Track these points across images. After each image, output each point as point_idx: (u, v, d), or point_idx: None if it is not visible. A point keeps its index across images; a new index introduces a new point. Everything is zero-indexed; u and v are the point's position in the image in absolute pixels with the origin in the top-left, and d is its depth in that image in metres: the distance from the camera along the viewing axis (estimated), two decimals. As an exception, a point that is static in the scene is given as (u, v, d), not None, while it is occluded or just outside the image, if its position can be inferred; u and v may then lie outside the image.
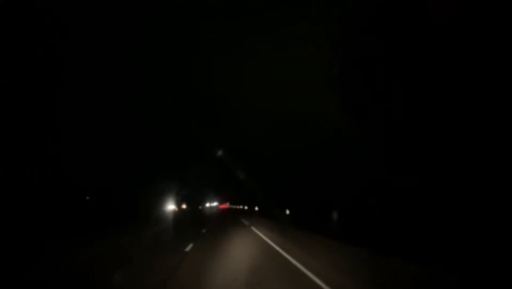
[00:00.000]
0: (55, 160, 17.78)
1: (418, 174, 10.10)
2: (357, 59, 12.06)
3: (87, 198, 22.48)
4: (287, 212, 24.48)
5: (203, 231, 18.17)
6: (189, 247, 11.41)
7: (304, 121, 20.42)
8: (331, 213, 15.97)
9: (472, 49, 7.84)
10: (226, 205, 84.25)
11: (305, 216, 19.53)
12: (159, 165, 42.03)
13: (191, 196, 64.88)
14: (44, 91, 16.25)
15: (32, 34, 14.52)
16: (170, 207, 47.56)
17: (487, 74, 7.55)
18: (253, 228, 18.31)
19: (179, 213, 46.65)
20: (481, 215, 7.59)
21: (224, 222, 25.85)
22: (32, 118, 15.86)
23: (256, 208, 43.70)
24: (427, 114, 9.67)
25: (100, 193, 22.79)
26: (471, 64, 7.81)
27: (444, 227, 8.42)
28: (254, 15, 17.51)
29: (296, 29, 16.81)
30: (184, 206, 57.64)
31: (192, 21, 19.48)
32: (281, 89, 22.05)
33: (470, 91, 8.06)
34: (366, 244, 9.26)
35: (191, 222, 27.36)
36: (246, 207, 58.86)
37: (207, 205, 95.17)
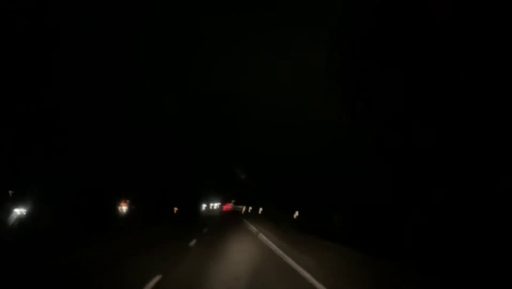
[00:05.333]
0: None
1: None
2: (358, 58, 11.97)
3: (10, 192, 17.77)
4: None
5: None
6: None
7: (306, 122, 20.31)
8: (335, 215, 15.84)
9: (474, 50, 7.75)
10: (230, 206, 77.25)
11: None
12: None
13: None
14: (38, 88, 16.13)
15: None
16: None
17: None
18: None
19: None
20: (479, 220, 7.53)
21: None
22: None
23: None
24: (428, 114, 9.60)
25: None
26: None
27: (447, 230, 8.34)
28: (254, 13, 17.42)
29: (298, 29, 16.74)
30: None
31: (191, 18, 19.38)
32: (282, 89, 21.95)
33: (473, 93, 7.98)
34: (369, 247, 9.20)
35: None
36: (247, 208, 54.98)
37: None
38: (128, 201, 32.01)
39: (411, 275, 7.14)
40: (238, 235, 16.77)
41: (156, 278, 6.68)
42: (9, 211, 16.80)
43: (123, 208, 31.81)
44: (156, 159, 33.25)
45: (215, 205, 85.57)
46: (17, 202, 17.56)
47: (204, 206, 79.17)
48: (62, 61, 16.43)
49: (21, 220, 16.74)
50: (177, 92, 27.41)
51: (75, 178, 20.22)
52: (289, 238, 14.50)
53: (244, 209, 58.53)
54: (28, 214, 17.46)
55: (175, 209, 42.35)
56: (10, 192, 17.78)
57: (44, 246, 11.25)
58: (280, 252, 10.43)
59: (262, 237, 15.42)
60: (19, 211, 17.42)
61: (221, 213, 55.38)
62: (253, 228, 20.77)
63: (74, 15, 15.92)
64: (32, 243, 11.93)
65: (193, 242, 12.98)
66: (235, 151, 42.25)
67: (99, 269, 7.87)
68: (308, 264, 8.16)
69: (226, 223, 27.00)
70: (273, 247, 11.78)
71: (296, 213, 24.58)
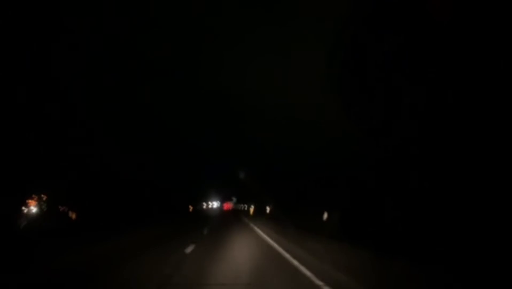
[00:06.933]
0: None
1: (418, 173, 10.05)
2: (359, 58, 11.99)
3: None
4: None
5: None
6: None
7: (306, 121, 20.33)
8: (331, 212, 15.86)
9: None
10: (230, 205, 72.48)
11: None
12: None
13: None
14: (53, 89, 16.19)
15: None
16: None
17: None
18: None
19: None
20: (479, 216, 7.55)
21: None
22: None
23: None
24: (428, 113, 9.62)
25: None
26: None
27: (445, 226, 8.38)
28: (254, 13, 17.47)
29: (298, 28, 16.77)
30: None
31: (191, 20, 19.43)
32: (282, 88, 22.00)
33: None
34: (367, 244, 9.23)
35: None
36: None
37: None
38: (45, 196, 20.54)
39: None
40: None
41: None
42: None
43: (32, 208, 19.84)
44: (154, 156, 33.15)
45: (215, 204, 79.47)
46: None
47: (204, 205, 77.02)
48: (63, 61, 16.46)
49: None
50: (177, 93, 27.52)
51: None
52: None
53: (252, 209, 46.44)
54: None
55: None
56: None
57: None
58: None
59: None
60: None
61: (220, 214, 49.09)
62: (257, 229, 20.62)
63: (74, 15, 15.95)
64: None
65: None
66: (235, 150, 42.32)
67: None
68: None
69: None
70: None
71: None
